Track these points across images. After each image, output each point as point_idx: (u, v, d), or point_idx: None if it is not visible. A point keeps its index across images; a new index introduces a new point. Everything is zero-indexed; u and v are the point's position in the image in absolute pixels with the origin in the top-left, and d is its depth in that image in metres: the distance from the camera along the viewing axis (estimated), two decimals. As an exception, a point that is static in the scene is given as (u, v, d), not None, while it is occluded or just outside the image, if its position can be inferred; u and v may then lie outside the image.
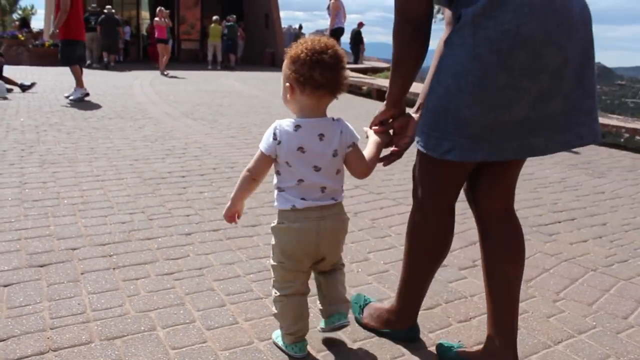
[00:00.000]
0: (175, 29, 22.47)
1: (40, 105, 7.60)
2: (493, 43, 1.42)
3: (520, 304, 2.02)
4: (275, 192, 1.74)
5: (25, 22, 19.49)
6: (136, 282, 2.27)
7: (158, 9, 15.93)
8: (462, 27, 1.48)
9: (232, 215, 1.79)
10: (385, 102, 1.82)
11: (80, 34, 8.24)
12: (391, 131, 1.86)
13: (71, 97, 8.07)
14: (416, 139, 1.68)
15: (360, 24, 21.40)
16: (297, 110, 1.72)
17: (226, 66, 18.21)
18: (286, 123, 1.68)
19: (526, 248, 1.76)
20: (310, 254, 1.73)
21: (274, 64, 22.32)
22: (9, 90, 8.95)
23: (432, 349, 1.88)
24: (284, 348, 1.83)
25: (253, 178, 1.73)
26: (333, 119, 1.73)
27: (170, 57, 15.60)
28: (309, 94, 1.66)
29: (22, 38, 19.04)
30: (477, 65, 1.45)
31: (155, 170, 4.13)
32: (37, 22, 33.62)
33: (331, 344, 1.89)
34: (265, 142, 1.69)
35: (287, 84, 1.68)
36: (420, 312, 1.94)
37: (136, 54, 21.58)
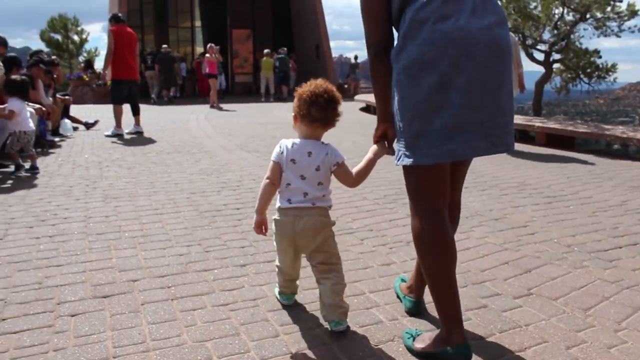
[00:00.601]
0: (228, 63, 23.10)
1: (103, 142, 7.94)
2: (406, 69, 1.86)
3: (579, 334, 2.04)
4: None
5: (89, 63, 20.46)
6: (193, 313, 2.34)
7: (208, 45, 16.47)
8: (393, 62, 1.95)
9: (259, 226, 2.24)
10: (378, 121, 2.14)
11: (124, 74, 8.66)
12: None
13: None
14: None
15: None
16: (299, 134, 2.26)
17: (279, 98, 18.57)
18: (288, 141, 2.23)
19: (584, 275, 1.76)
20: (290, 244, 2.24)
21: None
22: (75, 129, 9.41)
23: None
24: (277, 297, 2.48)
25: (272, 183, 2.23)
26: (323, 142, 2.26)
27: (217, 90, 16.06)
28: (307, 124, 2.20)
29: (87, 78, 19.95)
30: (399, 88, 1.90)
31: (211, 202, 4.25)
32: (100, 63, 35.22)
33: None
34: (275, 153, 2.23)
35: (293, 114, 2.24)
36: (473, 342, 1.93)
37: (192, 89, 22.24)
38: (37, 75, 7.90)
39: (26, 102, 5.66)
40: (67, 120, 9.16)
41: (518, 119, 8.84)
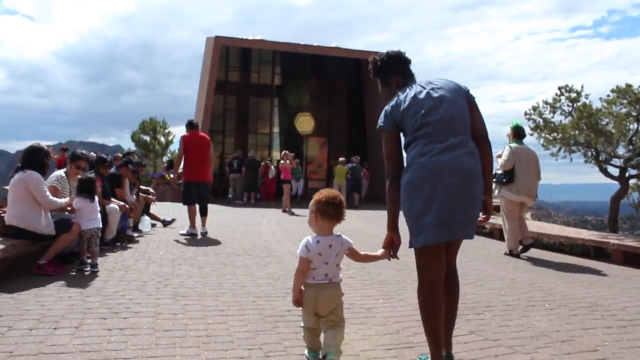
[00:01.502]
0: (303, 168, 23.82)
1: (178, 240, 8.29)
2: (405, 186, 2.95)
3: None
4: None
5: (171, 163, 21.63)
6: (248, 417, 2.37)
7: (283, 152, 17.23)
8: (403, 174, 3.02)
9: (297, 301, 3.08)
10: (388, 229, 3.10)
11: (192, 176, 9.28)
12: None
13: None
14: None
15: None
16: (317, 230, 3.08)
17: (350, 205, 18.84)
18: (311, 238, 3.05)
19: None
20: (313, 308, 3.02)
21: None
22: (153, 225, 9.88)
23: None
24: (306, 354, 3.19)
25: (302, 272, 3.03)
26: (337, 234, 3.09)
27: (293, 196, 16.66)
28: (326, 221, 3.04)
29: (168, 178, 21.05)
30: (404, 196, 2.96)
31: (276, 308, 4.33)
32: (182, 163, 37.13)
33: None
34: (301, 251, 3.03)
35: (313, 214, 3.05)
36: None
37: (265, 193, 22.91)
38: (125, 175, 8.48)
39: (91, 200, 5.92)
40: (146, 217, 9.66)
41: (592, 235, 8.58)
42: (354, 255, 3.17)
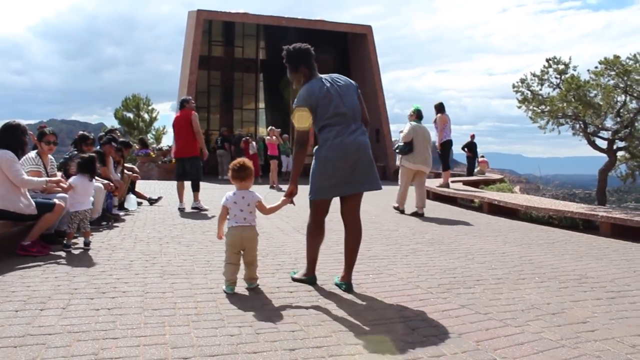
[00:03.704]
0: (292, 146, 23.71)
1: (164, 218, 8.22)
2: (322, 158, 4.09)
3: None
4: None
5: (143, 143, 21.08)
6: (241, 396, 2.34)
7: (269, 128, 17.15)
8: (316, 151, 4.17)
9: (219, 236, 4.33)
10: (290, 183, 4.23)
11: (178, 153, 9.73)
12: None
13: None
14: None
15: (473, 136, 21.61)
16: (235, 187, 4.18)
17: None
18: (230, 192, 4.14)
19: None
20: (235, 247, 4.06)
21: (385, 178, 22.70)
22: (139, 204, 9.79)
23: None
24: (224, 288, 4.04)
25: (221, 216, 4.18)
26: (249, 191, 4.15)
27: (281, 172, 16.69)
28: (237, 180, 4.15)
29: (154, 155, 20.86)
30: (319, 164, 4.11)
31: (265, 284, 4.29)
32: (167, 140, 36.79)
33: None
34: (223, 201, 4.11)
35: (230, 177, 4.24)
36: None
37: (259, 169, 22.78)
38: (109, 153, 8.36)
39: (90, 179, 5.89)
40: (132, 196, 9.56)
41: (581, 208, 8.63)
42: (262, 208, 4.17)
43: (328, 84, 4.13)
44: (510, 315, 3.61)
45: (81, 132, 8.48)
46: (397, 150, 9.78)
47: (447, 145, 12.57)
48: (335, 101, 4.07)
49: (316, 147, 4.18)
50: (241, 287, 4.16)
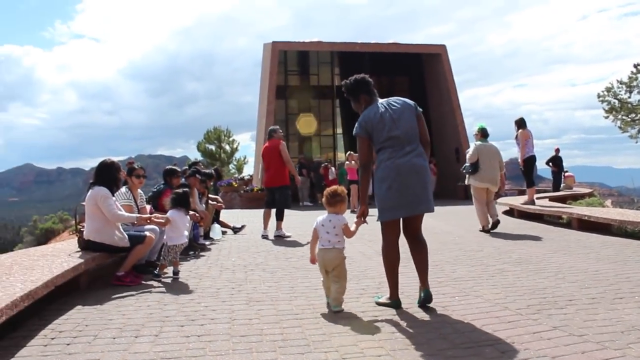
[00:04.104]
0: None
1: (249, 246, 8.40)
2: (377, 179, 4.38)
3: None
4: None
5: (218, 174, 21.57)
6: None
7: (348, 153, 17.22)
8: (376, 171, 4.42)
9: (311, 260, 4.55)
10: (361, 204, 4.49)
11: (267, 182, 9.97)
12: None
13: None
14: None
15: (557, 150, 20.86)
16: (328, 211, 4.46)
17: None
18: (320, 217, 4.43)
19: None
20: (323, 268, 4.38)
21: (466, 197, 22.22)
22: (224, 233, 10.06)
23: None
24: (326, 299, 4.45)
25: (314, 239, 4.47)
26: (337, 215, 4.40)
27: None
28: (328, 206, 4.44)
29: (236, 185, 21.43)
30: (377, 186, 4.39)
31: (350, 309, 4.28)
32: (249, 169, 37.74)
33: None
34: (314, 224, 4.44)
35: (324, 203, 4.53)
36: None
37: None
38: (194, 185, 8.66)
39: (186, 213, 6.14)
40: (217, 225, 9.84)
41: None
42: (347, 230, 4.38)
43: (383, 109, 4.35)
44: (609, 338, 3.41)
45: (170, 166, 8.83)
46: (464, 171, 10.07)
47: (530, 161, 12.14)
48: (389, 125, 4.28)
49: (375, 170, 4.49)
50: (324, 311, 4.18)
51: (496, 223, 9.56)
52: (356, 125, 4.43)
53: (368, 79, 4.57)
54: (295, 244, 8.53)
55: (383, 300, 4.44)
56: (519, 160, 12.10)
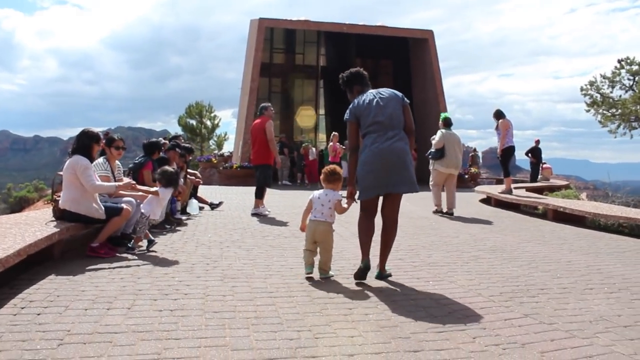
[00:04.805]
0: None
1: (225, 222, 8.36)
2: (361, 162, 4.64)
3: None
4: None
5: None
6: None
7: (333, 133, 17.18)
8: (360, 154, 4.71)
9: (302, 228, 4.94)
10: (348, 185, 4.77)
11: (251, 160, 10.30)
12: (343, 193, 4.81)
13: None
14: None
15: (537, 141, 21.04)
16: (324, 187, 4.82)
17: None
18: (317, 191, 4.81)
19: None
20: (312, 238, 4.66)
21: (445, 183, 22.43)
22: (201, 209, 10.00)
23: None
24: (305, 270, 4.70)
25: (307, 209, 4.82)
26: (334, 191, 4.75)
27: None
28: (326, 183, 4.82)
29: (215, 161, 21.29)
30: (360, 168, 4.65)
31: (324, 289, 4.29)
32: (229, 146, 37.53)
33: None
34: (311, 195, 4.79)
35: (321, 179, 4.94)
36: None
37: (309, 175, 22.93)
38: (173, 158, 8.57)
39: (174, 193, 6.32)
40: (194, 201, 9.77)
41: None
42: (338, 207, 4.70)
43: (372, 97, 4.68)
44: (578, 327, 3.47)
45: (154, 139, 8.73)
46: (429, 156, 10.56)
47: (509, 151, 12.24)
48: (374, 111, 4.60)
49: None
50: (298, 290, 4.18)
51: (451, 213, 10.20)
52: (347, 111, 4.76)
53: (362, 72, 4.97)
54: (272, 222, 8.52)
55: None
56: (498, 150, 12.20)
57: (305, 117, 21.56)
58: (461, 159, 10.62)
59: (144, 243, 5.86)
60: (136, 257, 5.42)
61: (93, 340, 3.02)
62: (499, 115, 12.18)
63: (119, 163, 6.78)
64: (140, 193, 6.12)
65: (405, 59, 26.61)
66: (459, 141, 10.52)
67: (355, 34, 24.98)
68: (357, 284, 4.52)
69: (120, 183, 6.03)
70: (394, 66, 28.01)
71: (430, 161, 10.61)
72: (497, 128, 12.21)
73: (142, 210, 5.83)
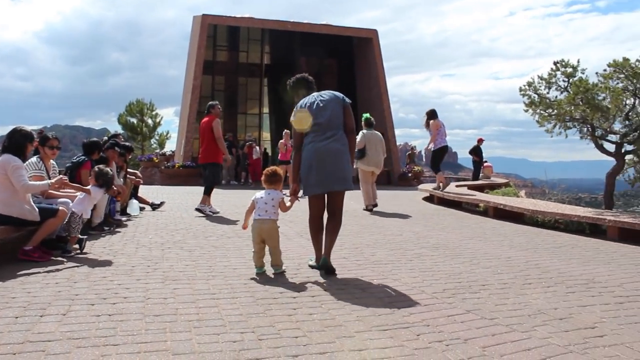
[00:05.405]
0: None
1: (167, 223, 8.19)
2: (302, 160, 4.90)
3: None
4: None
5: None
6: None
7: (284, 131, 17.07)
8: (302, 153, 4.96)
9: (244, 227, 5.08)
10: (291, 183, 5.07)
11: (199, 159, 10.07)
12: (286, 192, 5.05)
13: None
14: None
15: (480, 140, 21.53)
16: (265, 187, 4.93)
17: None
18: (258, 193, 4.90)
19: None
20: (258, 237, 4.75)
21: (389, 182, 22.66)
22: (142, 209, 9.75)
23: None
24: (255, 269, 4.78)
25: (249, 210, 4.89)
26: (276, 191, 4.85)
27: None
28: (267, 183, 4.92)
29: (157, 160, 20.85)
30: (301, 166, 4.92)
31: (268, 290, 4.24)
32: (171, 145, 36.87)
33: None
34: (253, 196, 4.87)
35: (262, 180, 4.99)
36: None
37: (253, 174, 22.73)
38: (112, 158, 8.33)
39: (106, 192, 6.30)
40: (135, 201, 9.53)
41: (588, 212, 8.55)
42: (282, 205, 4.84)
43: (313, 99, 4.93)
44: (517, 321, 3.55)
45: (94, 138, 8.47)
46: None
47: (442, 151, 12.60)
48: (314, 113, 4.83)
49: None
50: (241, 291, 4.12)
51: (375, 205, 10.78)
52: (292, 113, 5.02)
53: (307, 77, 5.25)
54: (215, 222, 8.39)
55: (313, 263, 5.07)
56: (430, 149, 12.57)
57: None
58: (382, 158, 11.01)
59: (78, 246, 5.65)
60: (73, 261, 5.23)
61: (24, 350, 2.86)
62: (431, 115, 12.56)
63: (54, 163, 6.52)
64: (71, 191, 5.91)
65: (350, 58, 26.77)
66: (380, 140, 10.95)
67: (300, 32, 24.95)
68: (301, 284, 4.49)
69: (52, 180, 5.80)
70: (339, 65, 28.13)
71: (354, 160, 10.90)
72: (427, 127, 12.56)
73: (74, 210, 5.64)
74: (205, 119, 9.79)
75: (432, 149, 12.59)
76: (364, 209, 10.78)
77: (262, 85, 30.26)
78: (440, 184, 13.24)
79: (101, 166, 6.27)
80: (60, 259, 5.29)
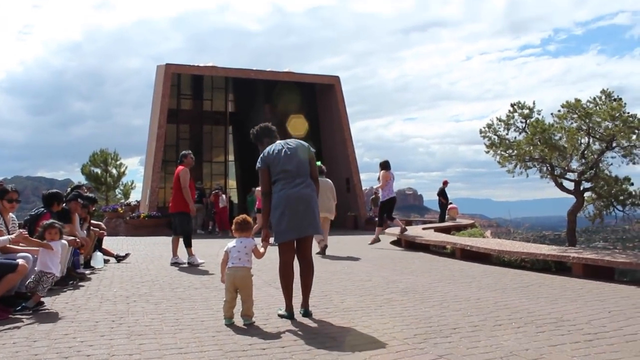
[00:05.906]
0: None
1: (132, 275, 7.99)
2: (272, 208, 5.03)
3: None
4: None
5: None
6: None
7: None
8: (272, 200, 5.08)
9: (222, 280, 4.97)
10: (263, 229, 5.06)
11: (170, 208, 9.96)
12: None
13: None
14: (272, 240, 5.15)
15: (445, 182, 21.85)
16: (236, 236, 4.94)
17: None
18: (230, 242, 4.94)
19: None
20: (232, 285, 4.74)
21: (356, 227, 22.67)
22: (106, 261, 9.52)
23: None
24: (224, 320, 4.72)
25: (224, 261, 4.91)
26: (248, 238, 4.90)
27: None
28: (237, 232, 4.96)
29: (122, 211, 20.52)
30: (272, 213, 5.04)
31: (237, 342, 4.14)
32: (136, 195, 36.35)
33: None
34: (226, 247, 4.92)
35: (232, 229, 5.06)
36: None
37: (220, 222, 22.42)
38: (75, 209, 8.16)
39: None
40: (99, 253, 9.29)
41: (553, 250, 8.67)
42: (256, 252, 4.87)
43: (280, 147, 5.10)
44: None
45: (54, 190, 8.28)
46: None
47: (389, 202, 12.79)
48: (283, 160, 5.01)
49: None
50: (210, 344, 4.01)
51: (324, 248, 10.96)
52: (258, 160, 5.14)
53: (270, 126, 5.46)
54: (182, 273, 8.23)
55: (282, 312, 5.04)
56: (378, 195, 12.85)
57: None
58: (333, 204, 11.37)
59: (45, 300, 5.45)
60: (32, 318, 5.03)
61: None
62: (383, 166, 12.76)
63: (14, 216, 6.35)
64: (33, 247, 5.71)
65: (313, 104, 27.08)
66: (330, 187, 11.30)
67: (263, 80, 25.21)
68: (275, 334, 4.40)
69: (13, 235, 5.63)
70: (302, 111, 28.42)
71: None
72: (378, 179, 12.82)
73: (47, 271, 5.44)
74: (177, 168, 9.79)
75: (381, 200, 12.83)
76: (317, 253, 10.63)
77: (226, 133, 30.29)
78: (379, 237, 13.37)
79: (44, 222, 6.06)
80: (19, 316, 5.09)
